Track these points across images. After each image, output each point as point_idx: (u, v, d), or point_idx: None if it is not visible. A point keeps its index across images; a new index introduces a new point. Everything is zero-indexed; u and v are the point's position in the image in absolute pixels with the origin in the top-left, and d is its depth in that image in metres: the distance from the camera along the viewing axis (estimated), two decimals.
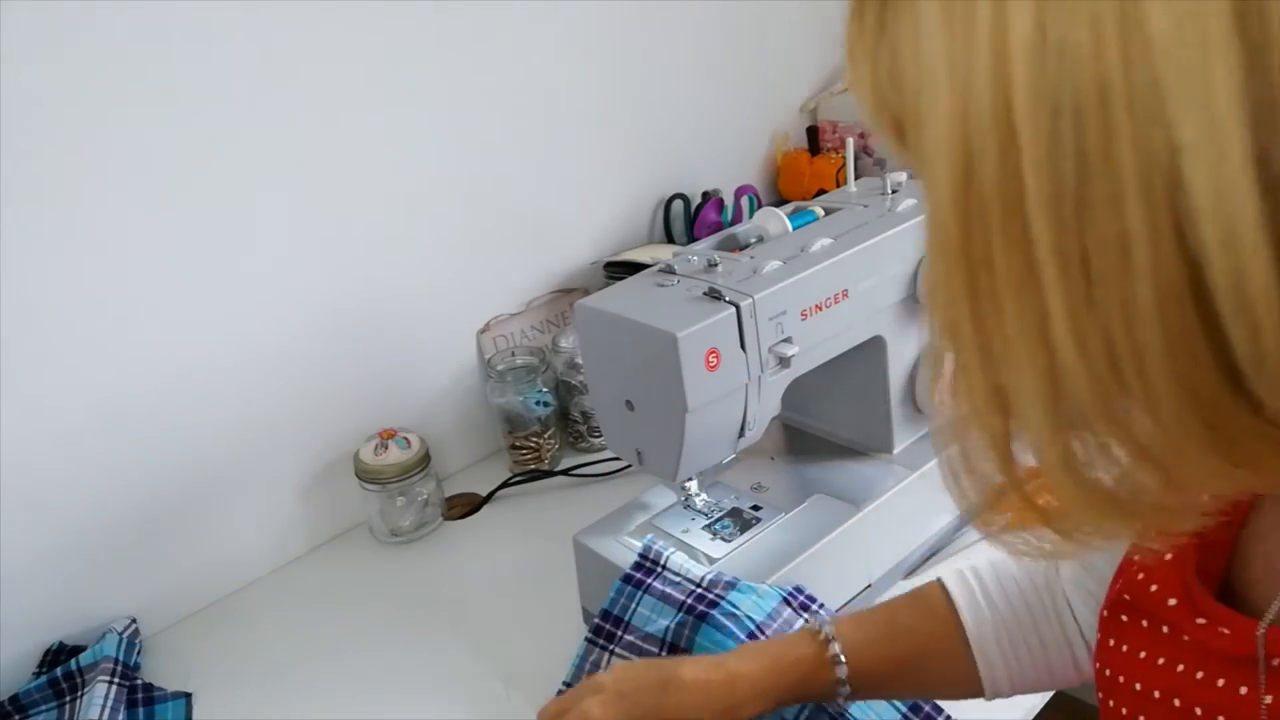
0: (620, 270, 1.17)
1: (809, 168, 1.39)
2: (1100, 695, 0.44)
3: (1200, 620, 0.38)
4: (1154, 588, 0.41)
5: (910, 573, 0.89)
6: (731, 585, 0.74)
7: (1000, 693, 0.60)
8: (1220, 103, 0.22)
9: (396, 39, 1.01)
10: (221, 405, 0.96)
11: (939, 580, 0.63)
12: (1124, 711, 0.41)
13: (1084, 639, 0.59)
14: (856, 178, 0.90)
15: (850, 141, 0.89)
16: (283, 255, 0.97)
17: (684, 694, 0.58)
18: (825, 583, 0.81)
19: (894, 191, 0.86)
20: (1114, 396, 0.26)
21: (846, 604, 0.83)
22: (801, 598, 0.75)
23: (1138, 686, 0.40)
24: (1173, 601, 0.40)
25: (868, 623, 0.62)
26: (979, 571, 0.62)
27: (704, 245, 0.81)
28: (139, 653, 0.92)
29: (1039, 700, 0.76)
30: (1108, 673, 0.43)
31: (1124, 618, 0.42)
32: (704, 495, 0.85)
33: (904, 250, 0.81)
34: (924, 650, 0.61)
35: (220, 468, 0.98)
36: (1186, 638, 0.39)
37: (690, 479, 0.81)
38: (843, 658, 0.59)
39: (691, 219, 1.30)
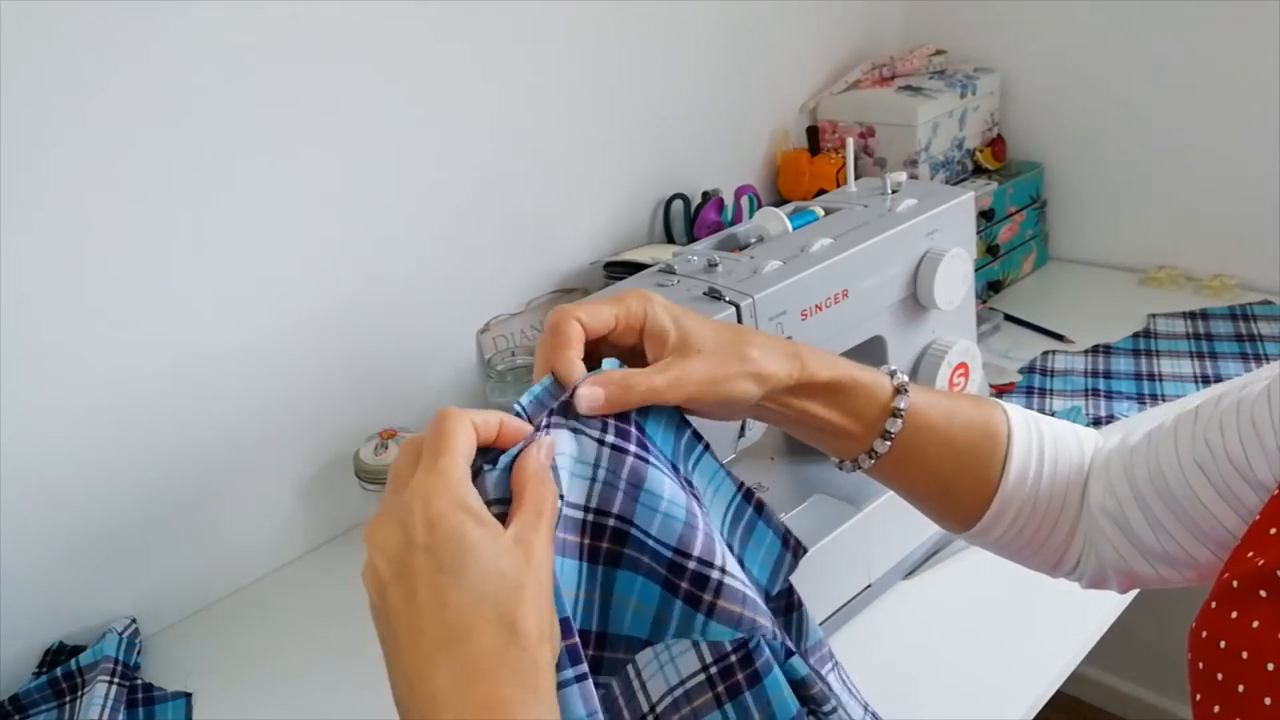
0: (620, 270, 1.17)
1: (809, 168, 1.39)
2: (1198, 663, 0.43)
3: None
4: None
5: (910, 573, 0.89)
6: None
7: (982, 537, 0.60)
8: None
9: (396, 39, 1.01)
10: (221, 405, 0.96)
11: (1005, 413, 0.60)
12: (1219, 677, 0.41)
13: (1093, 556, 0.58)
14: (856, 178, 0.90)
15: (850, 141, 0.89)
16: (282, 256, 0.97)
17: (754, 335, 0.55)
18: (825, 583, 0.81)
19: (894, 191, 0.85)
20: None
21: (846, 604, 0.83)
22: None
23: (1244, 655, 0.40)
24: None
25: (934, 396, 0.59)
26: (1042, 436, 0.59)
27: (704, 245, 0.81)
28: (139, 653, 0.92)
29: (1039, 700, 0.76)
30: (1222, 644, 0.42)
31: (1263, 593, 0.41)
32: None
33: (904, 250, 0.81)
34: (962, 455, 0.58)
35: (220, 468, 0.98)
36: None
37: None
38: (909, 397, 0.56)
39: (691, 219, 1.30)
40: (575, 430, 0.49)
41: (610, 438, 0.49)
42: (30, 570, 0.88)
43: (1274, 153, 1.26)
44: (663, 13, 1.24)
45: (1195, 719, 0.43)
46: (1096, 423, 1.09)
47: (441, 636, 0.40)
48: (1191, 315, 1.29)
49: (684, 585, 0.48)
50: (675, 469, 0.51)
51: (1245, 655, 0.40)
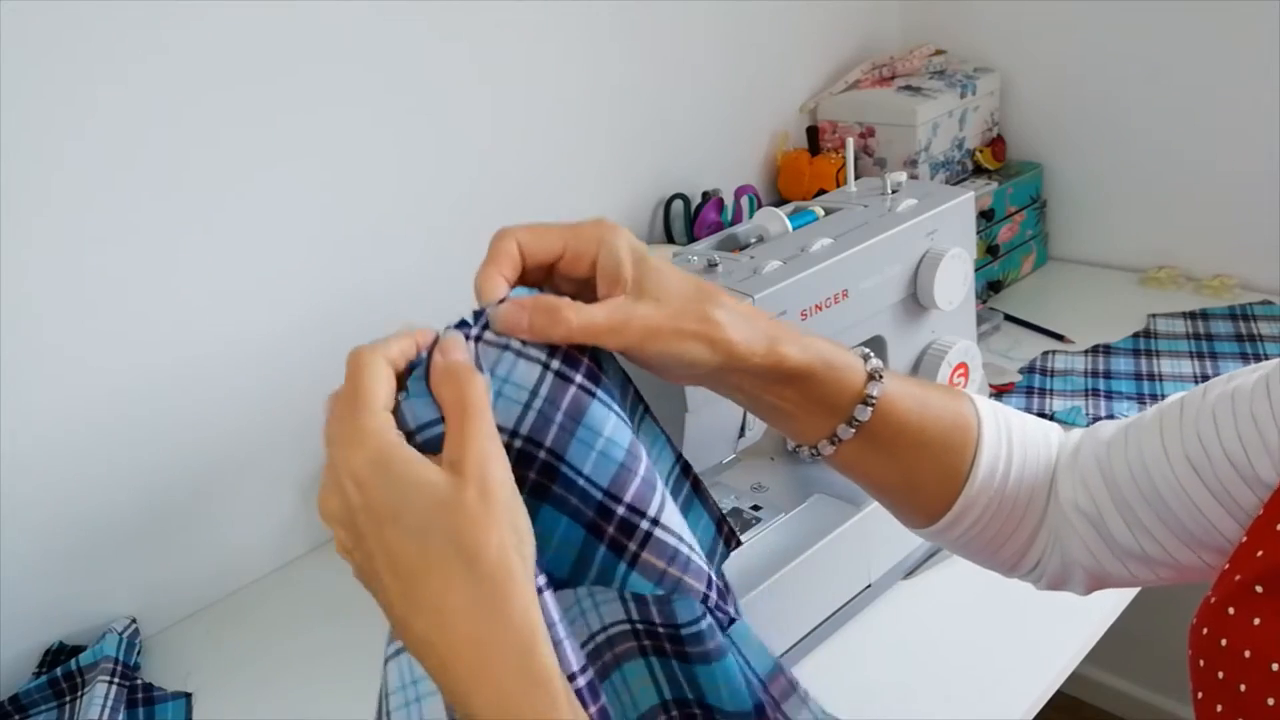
0: None
1: (809, 168, 1.39)
2: (1199, 660, 0.42)
3: None
4: None
5: (910, 573, 0.89)
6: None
7: (944, 534, 0.57)
8: None
9: (396, 39, 1.01)
10: (221, 405, 0.96)
11: (974, 405, 0.56)
12: (1220, 675, 0.40)
13: (1058, 555, 0.56)
14: (856, 178, 0.90)
15: (850, 141, 0.89)
16: (281, 255, 0.97)
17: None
18: (825, 583, 0.81)
19: (894, 191, 0.85)
20: None
21: (846, 604, 0.83)
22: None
23: (1247, 654, 0.39)
24: None
25: (907, 383, 0.55)
26: (1010, 429, 0.56)
27: (704, 245, 0.81)
28: (139, 653, 0.92)
29: (1039, 700, 0.76)
30: (1223, 642, 0.41)
31: (1259, 588, 0.41)
32: None
33: (904, 250, 0.81)
34: (931, 446, 0.55)
35: (220, 467, 0.98)
36: None
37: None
38: (882, 384, 0.52)
39: (691, 219, 1.30)
40: (518, 353, 0.44)
41: (556, 364, 0.45)
42: (30, 570, 0.88)
43: (1274, 153, 1.26)
44: (663, 13, 1.24)
45: (1198, 718, 0.42)
46: (1097, 422, 1.09)
47: (403, 589, 0.39)
48: (1191, 315, 1.29)
49: (609, 530, 0.45)
50: (625, 412, 0.47)
51: (1248, 654, 0.40)
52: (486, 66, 1.09)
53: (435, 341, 0.44)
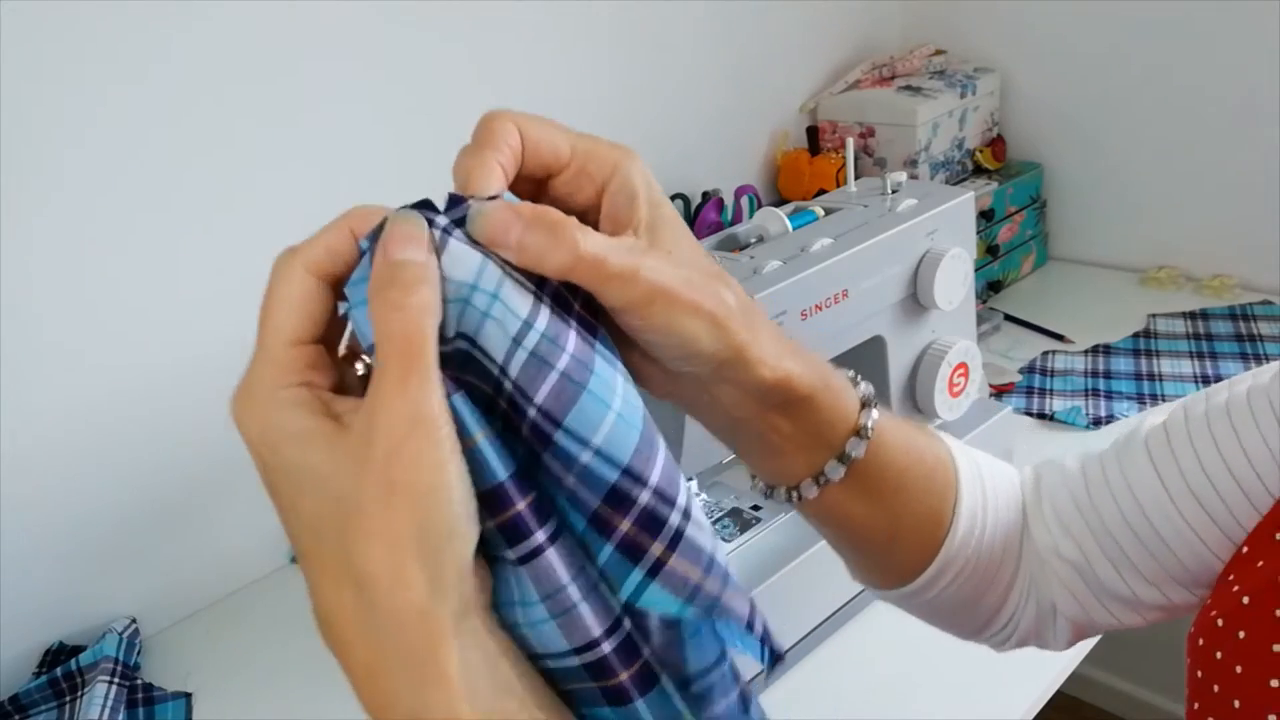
0: None
1: (809, 168, 1.39)
2: (1196, 671, 0.41)
3: None
4: None
5: None
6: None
7: (916, 596, 0.49)
8: None
9: (395, 39, 1.01)
10: (221, 405, 0.96)
11: (947, 446, 0.49)
12: (1216, 689, 0.39)
13: (1035, 606, 0.51)
14: (856, 178, 0.90)
15: (850, 141, 0.89)
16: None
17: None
18: (825, 583, 0.81)
19: (894, 191, 0.86)
20: None
21: (846, 604, 0.83)
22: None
23: (1238, 669, 0.38)
24: None
25: (891, 416, 0.45)
26: (982, 471, 0.50)
27: (704, 245, 0.81)
28: (139, 653, 0.92)
29: (1039, 700, 0.76)
30: (1219, 655, 0.39)
31: (1246, 599, 0.39)
32: (704, 495, 0.85)
33: (904, 250, 0.81)
34: (914, 489, 0.47)
35: (220, 468, 0.98)
36: None
37: (690, 479, 0.81)
38: (875, 413, 0.43)
39: (691, 219, 1.30)
40: (503, 268, 0.32)
41: (548, 298, 0.33)
42: (30, 570, 0.88)
43: (1274, 153, 1.26)
44: (663, 12, 1.24)
45: None
46: (1097, 422, 1.09)
47: (307, 571, 0.31)
48: (1191, 315, 1.29)
49: (625, 524, 0.32)
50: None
51: (1239, 669, 0.38)
52: (486, 66, 1.09)
53: (382, 226, 0.32)
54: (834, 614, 0.83)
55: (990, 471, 0.50)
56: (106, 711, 0.82)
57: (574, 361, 0.31)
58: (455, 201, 0.33)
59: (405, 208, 0.32)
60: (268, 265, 0.33)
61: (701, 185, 1.33)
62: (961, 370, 0.88)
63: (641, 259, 0.33)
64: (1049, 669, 0.78)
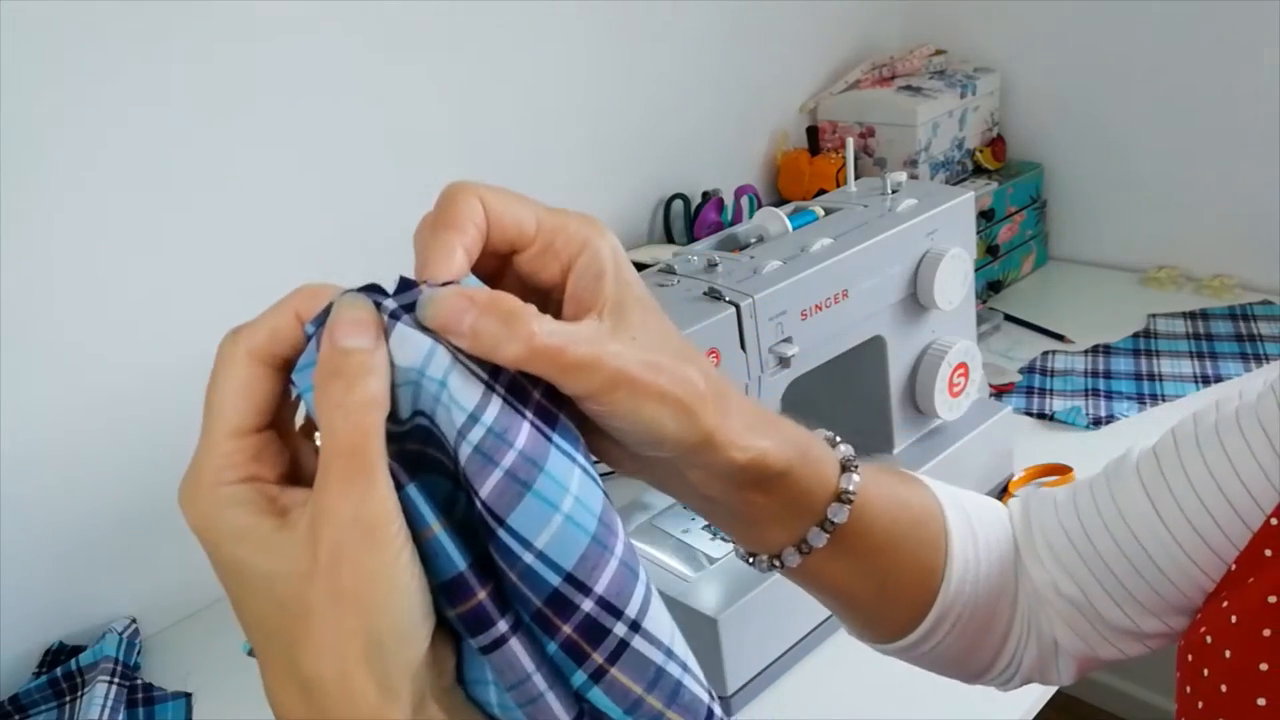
0: None
1: (809, 168, 1.39)
2: (1185, 687, 0.40)
3: None
4: None
5: None
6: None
7: (915, 648, 0.48)
8: None
9: (397, 40, 1.01)
10: None
11: (933, 492, 0.48)
12: (1200, 705, 0.39)
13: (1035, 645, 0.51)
14: (856, 178, 0.90)
15: (850, 141, 0.89)
16: (283, 255, 0.97)
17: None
18: None
19: (894, 191, 0.85)
20: None
21: None
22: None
23: (1223, 688, 0.38)
24: None
25: (874, 471, 0.44)
26: (968, 512, 0.49)
27: (704, 245, 0.81)
28: (139, 653, 0.92)
29: (1039, 700, 0.76)
30: (1205, 673, 0.39)
31: (1250, 580, 0.39)
32: None
33: (904, 250, 0.81)
34: (904, 544, 0.45)
35: None
36: None
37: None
38: (856, 476, 0.41)
39: (691, 219, 1.30)
40: (455, 356, 0.30)
41: (501, 388, 0.31)
42: (30, 570, 0.88)
43: (1274, 153, 1.26)
44: (663, 13, 1.24)
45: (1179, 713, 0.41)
46: (1097, 422, 1.09)
47: (260, 672, 0.30)
48: (1191, 315, 1.29)
49: (566, 629, 0.31)
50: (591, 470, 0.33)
51: (1224, 689, 0.38)
52: (487, 67, 1.09)
53: (327, 311, 0.31)
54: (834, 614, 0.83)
55: (978, 512, 0.49)
56: (106, 711, 0.82)
57: (521, 459, 0.30)
58: (407, 285, 0.32)
59: (352, 291, 0.31)
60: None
61: (701, 185, 1.33)
62: (961, 370, 0.88)
63: (603, 346, 0.31)
64: None
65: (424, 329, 0.30)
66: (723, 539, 0.81)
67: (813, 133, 1.45)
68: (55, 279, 0.85)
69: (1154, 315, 1.30)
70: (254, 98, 0.92)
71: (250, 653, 0.32)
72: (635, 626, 0.32)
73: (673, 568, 0.78)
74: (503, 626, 0.30)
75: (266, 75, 0.92)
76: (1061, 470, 0.98)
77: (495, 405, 0.30)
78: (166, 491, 1.03)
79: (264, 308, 0.32)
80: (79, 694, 0.87)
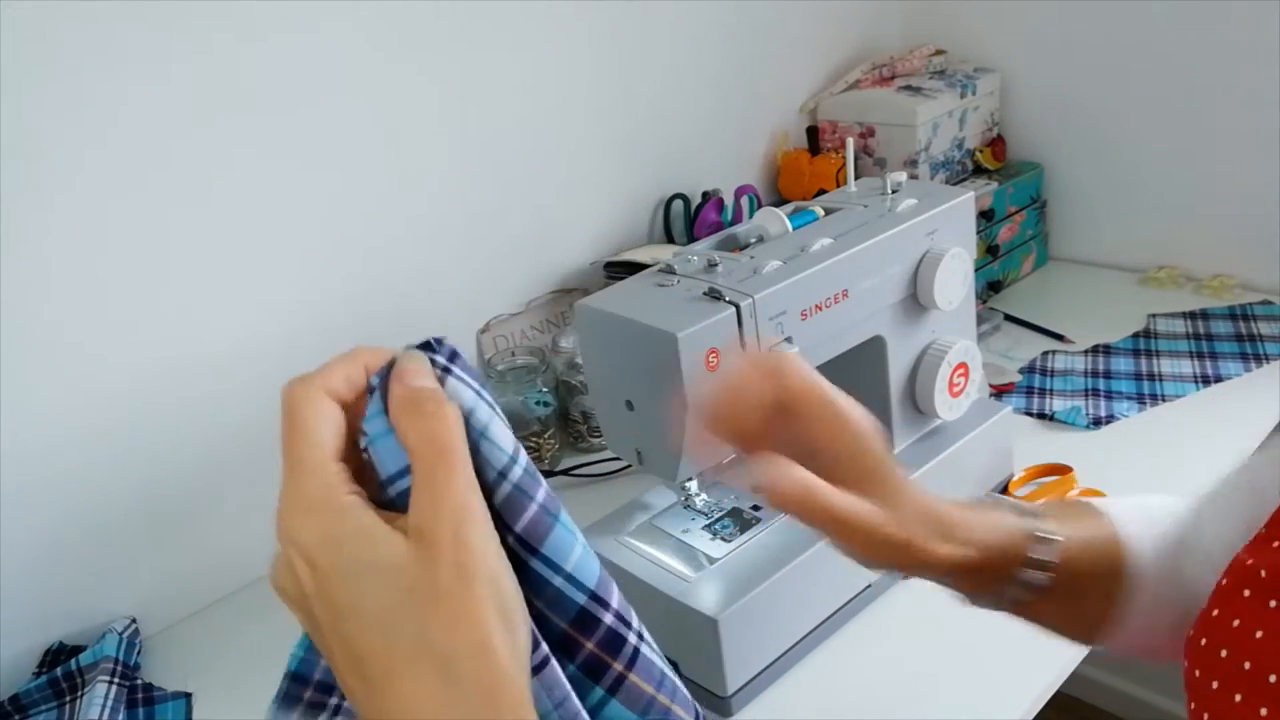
0: (620, 270, 1.17)
1: (809, 168, 1.39)
2: (1194, 671, 0.41)
3: None
4: None
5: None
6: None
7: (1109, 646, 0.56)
8: None
9: (397, 39, 1.01)
10: (222, 404, 0.96)
11: (1117, 534, 0.54)
12: (1215, 685, 0.39)
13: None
14: (856, 178, 0.90)
15: (850, 141, 0.89)
16: (283, 255, 0.97)
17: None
18: (825, 583, 0.81)
19: (894, 191, 0.85)
20: None
21: (846, 604, 0.83)
22: None
23: (1247, 665, 0.38)
24: None
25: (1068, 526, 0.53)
26: (1152, 532, 0.54)
27: (704, 245, 0.81)
28: (139, 653, 0.92)
29: (1039, 700, 0.76)
30: (1216, 649, 0.40)
31: (1246, 593, 0.40)
32: (704, 495, 0.84)
33: (904, 250, 0.81)
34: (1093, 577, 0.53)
35: (220, 467, 0.98)
36: None
37: (690, 479, 0.81)
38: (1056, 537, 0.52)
39: (691, 219, 1.30)
40: (492, 408, 0.36)
41: (524, 455, 0.36)
42: (30, 570, 0.88)
43: (1274, 153, 1.26)
44: (663, 13, 1.24)
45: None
46: (1097, 423, 1.09)
47: (369, 693, 0.32)
48: (1191, 315, 1.29)
49: (589, 645, 0.35)
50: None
51: (1248, 665, 0.39)
52: (488, 69, 1.09)
53: (390, 365, 0.35)
54: (834, 614, 0.83)
55: (1154, 516, 0.55)
56: (106, 711, 0.82)
57: (548, 496, 0.35)
58: (440, 340, 0.36)
59: (411, 347, 0.36)
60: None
61: (701, 185, 1.33)
62: (961, 370, 0.88)
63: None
64: (1049, 669, 0.78)
65: (466, 383, 0.35)
66: (723, 539, 0.81)
67: (813, 133, 1.45)
68: (54, 279, 0.85)
69: (1154, 315, 1.30)
70: (253, 97, 0.92)
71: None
72: (640, 636, 0.37)
73: (673, 568, 0.78)
74: (545, 647, 0.34)
75: (265, 75, 0.92)
76: (1061, 470, 0.98)
77: (523, 453, 0.35)
78: (166, 491, 1.04)
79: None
80: (79, 694, 0.87)
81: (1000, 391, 1.17)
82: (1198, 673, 0.41)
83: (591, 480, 1.11)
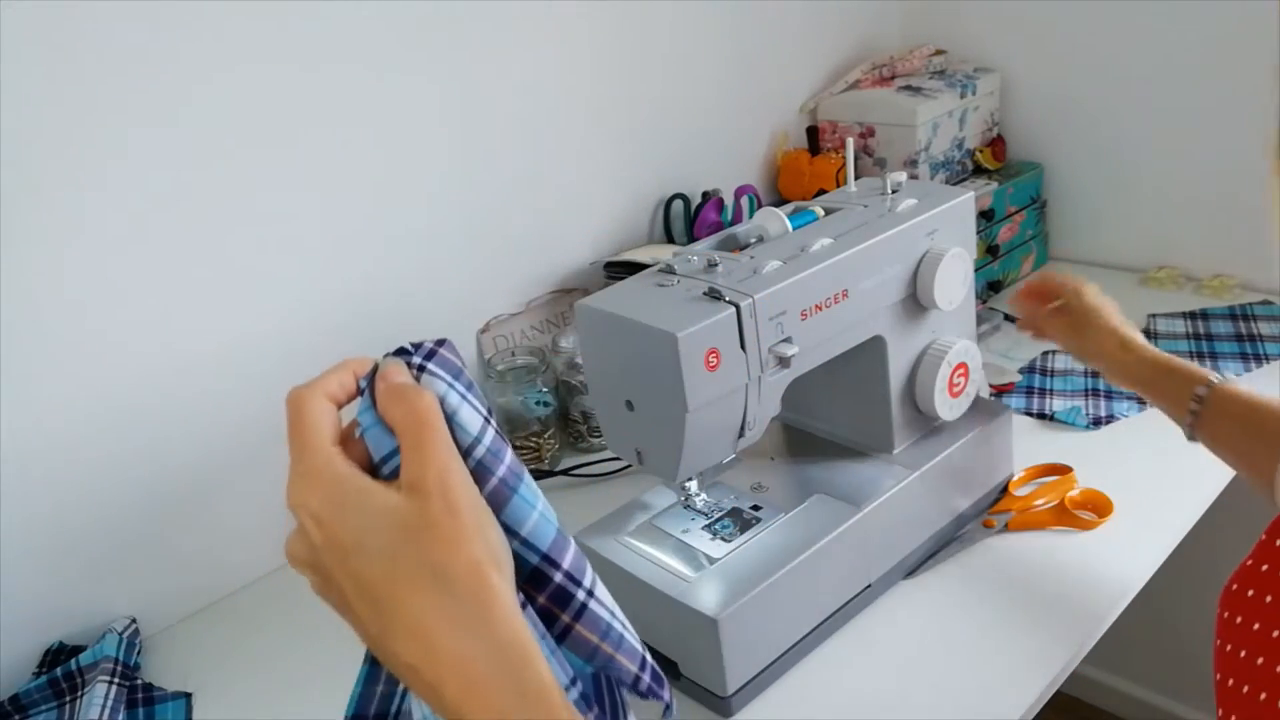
0: (620, 270, 1.17)
1: (809, 168, 1.39)
2: (1231, 616, 0.44)
3: None
4: None
5: (910, 573, 0.89)
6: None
7: None
8: None
9: (397, 40, 1.01)
10: (221, 405, 0.96)
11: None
12: (1246, 689, 0.41)
13: None
14: (856, 178, 0.90)
15: (850, 141, 0.89)
16: (282, 257, 0.97)
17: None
18: (825, 583, 0.81)
19: (894, 191, 0.86)
20: None
21: (846, 604, 0.83)
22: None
23: (1260, 661, 0.40)
24: None
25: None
26: None
27: (704, 245, 0.81)
28: (139, 653, 0.92)
29: (1039, 700, 0.76)
30: (1262, 596, 0.42)
31: (1250, 593, 0.42)
32: (704, 495, 0.85)
33: (904, 250, 0.82)
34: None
35: (220, 467, 0.98)
36: None
37: (690, 479, 0.81)
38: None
39: (691, 219, 1.30)
40: (462, 396, 0.43)
41: (492, 428, 0.43)
42: (30, 570, 0.88)
43: (1274, 153, 1.26)
44: (663, 13, 1.24)
45: (1218, 665, 0.43)
46: (1097, 422, 1.09)
47: (378, 616, 0.38)
48: (1191, 315, 1.29)
49: (541, 599, 0.42)
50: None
51: (1244, 654, 0.40)
52: (488, 68, 1.09)
53: (374, 370, 0.43)
54: (833, 614, 0.83)
55: None
56: (106, 711, 0.82)
57: (509, 471, 0.42)
58: (418, 345, 0.44)
59: (388, 355, 0.44)
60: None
61: (701, 185, 1.33)
62: (961, 370, 0.88)
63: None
64: (1049, 669, 0.78)
65: (440, 377, 0.43)
66: (723, 539, 0.81)
67: (813, 133, 1.45)
68: (54, 280, 0.85)
69: (1154, 315, 1.30)
70: (253, 97, 0.92)
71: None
72: (590, 594, 0.43)
73: (673, 568, 0.78)
74: (520, 597, 0.40)
75: (266, 75, 0.92)
76: (1062, 470, 0.98)
77: (490, 433, 0.42)
78: (167, 491, 1.03)
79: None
80: (79, 694, 0.87)
81: (1000, 391, 1.17)
82: (1239, 619, 0.43)
83: (591, 480, 1.11)
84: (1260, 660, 0.40)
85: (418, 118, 1.05)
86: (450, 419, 0.41)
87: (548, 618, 0.43)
